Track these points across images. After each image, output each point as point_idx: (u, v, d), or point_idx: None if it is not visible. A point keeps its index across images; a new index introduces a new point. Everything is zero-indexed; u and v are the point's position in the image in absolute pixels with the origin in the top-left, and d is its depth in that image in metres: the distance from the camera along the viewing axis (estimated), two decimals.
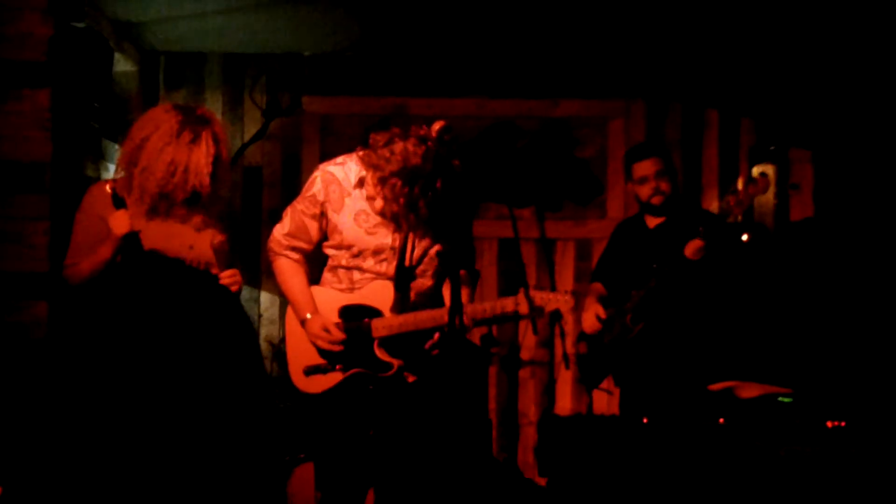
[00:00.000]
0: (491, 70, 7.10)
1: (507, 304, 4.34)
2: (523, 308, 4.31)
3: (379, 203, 4.32)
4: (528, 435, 6.91)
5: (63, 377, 4.31)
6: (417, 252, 4.42)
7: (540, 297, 4.32)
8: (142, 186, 4.33)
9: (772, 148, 6.95)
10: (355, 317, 4.43)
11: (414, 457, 4.47)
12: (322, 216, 4.44)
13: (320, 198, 4.41)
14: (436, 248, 4.45)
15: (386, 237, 4.40)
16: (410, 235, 4.40)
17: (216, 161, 4.37)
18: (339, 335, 4.38)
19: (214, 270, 4.48)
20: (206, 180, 4.34)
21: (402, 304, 4.41)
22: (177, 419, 4.25)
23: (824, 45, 6.42)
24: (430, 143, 4.19)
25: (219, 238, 4.48)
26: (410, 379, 4.48)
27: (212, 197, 4.43)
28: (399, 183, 4.19)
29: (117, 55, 6.41)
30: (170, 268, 4.41)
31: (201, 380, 4.31)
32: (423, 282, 4.46)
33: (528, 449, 6.80)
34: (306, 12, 6.36)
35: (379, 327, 4.40)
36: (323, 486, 4.57)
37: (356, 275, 4.46)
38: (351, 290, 4.47)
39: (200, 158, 4.33)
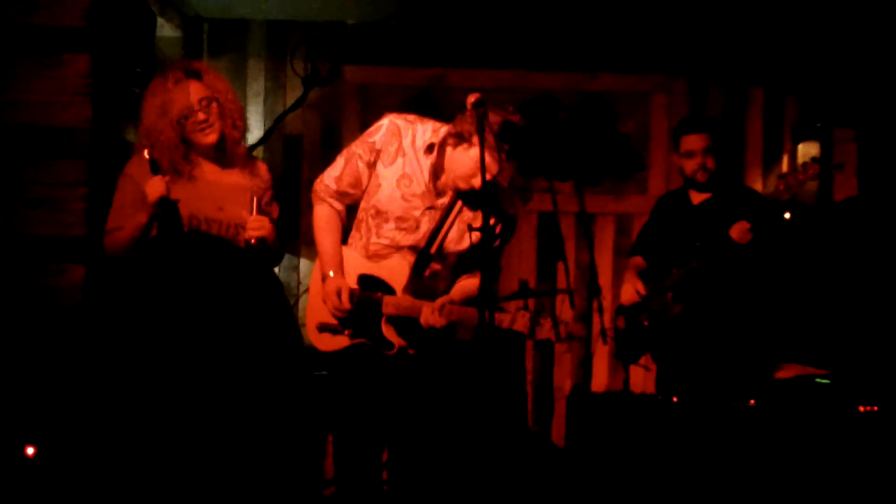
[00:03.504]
0: (531, 42, 7.06)
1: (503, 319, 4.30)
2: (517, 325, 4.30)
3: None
4: (562, 409, 6.89)
5: (97, 345, 4.33)
6: (446, 242, 4.42)
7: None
8: (158, 147, 4.37)
9: (817, 126, 6.88)
10: (371, 287, 4.43)
11: (435, 427, 4.48)
12: (373, 166, 4.40)
13: (378, 146, 4.38)
14: (462, 243, 4.45)
15: (417, 209, 4.39)
16: (446, 224, 4.39)
17: (202, 92, 4.43)
18: (346, 304, 4.37)
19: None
20: (200, 110, 4.39)
21: (414, 287, 4.40)
22: (206, 393, 4.26)
23: (870, 23, 6.35)
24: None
25: (260, 193, 4.48)
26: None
27: (224, 134, 4.48)
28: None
29: (160, 21, 6.42)
30: (202, 240, 4.40)
31: (233, 353, 4.32)
32: (440, 271, 4.46)
33: (562, 423, 6.79)
34: None
35: (388, 304, 4.39)
36: (336, 451, 4.58)
37: (373, 238, 4.44)
38: (367, 248, 4.46)
39: (179, 93, 4.40)
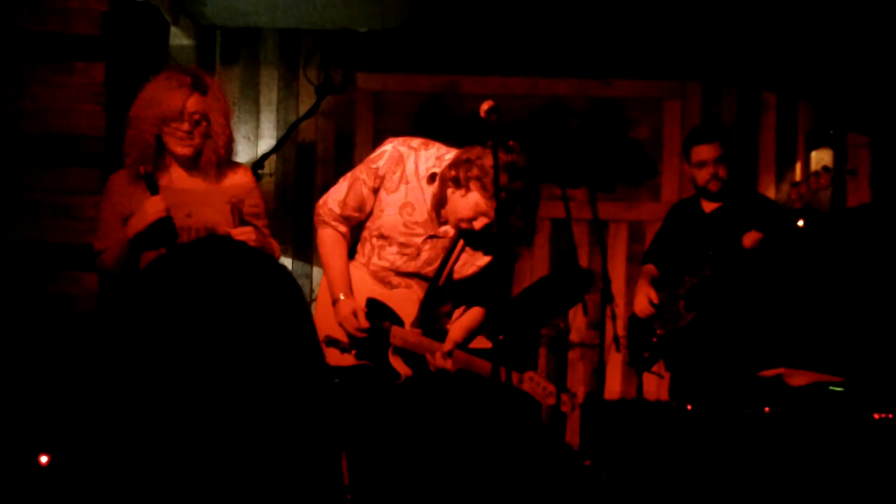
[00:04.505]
0: (544, 49, 7.06)
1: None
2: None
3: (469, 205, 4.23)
4: (575, 417, 6.87)
5: (108, 352, 4.29)
6: (452, 272, 4.43)
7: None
8: (136, 140, 4.26)
9: (831, 132, 6.86)
10: (379, 314, 4.42)
11: (450, 434, 4.47)
12: (378, 191, 4.39)
13: (381, 172, 4.35)
14: (466, 269, 4.45)
15: (419, 236, 4.38)
16: (451, 258, 4.40)
17: (197, 106, 4.29)
18: (364, 323, 4.35)
19: (222, 230, 4.28)
20: (185, 121, 4.25)
21: (423, 322, 4.41)
22: (219, 397, 4.21)
23: (884, 29, 6.34)
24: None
25: (238, 202, 4.32)
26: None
27: (201, 151, 4.34)
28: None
29: (174, 29, 6.45)
30: (219, 248, 4.31)
31: (244, 355, 4.27)
32: (446, 297, 4.47)
33: (576, 431, 6.77)
34: None
35: (396, 336, 4.39)
36: (349, 466, 4.56)
37: (375, 259, 4.45)
38: (368, 267, 4.47)
39: (174, 95, 4.25)
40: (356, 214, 4.47)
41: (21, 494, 4.67)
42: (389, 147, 4.38)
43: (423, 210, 4.36)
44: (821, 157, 6.78)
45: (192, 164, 4.34)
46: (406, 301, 4.42)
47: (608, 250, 6.99)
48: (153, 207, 4.17)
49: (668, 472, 4.71)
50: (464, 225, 4.27)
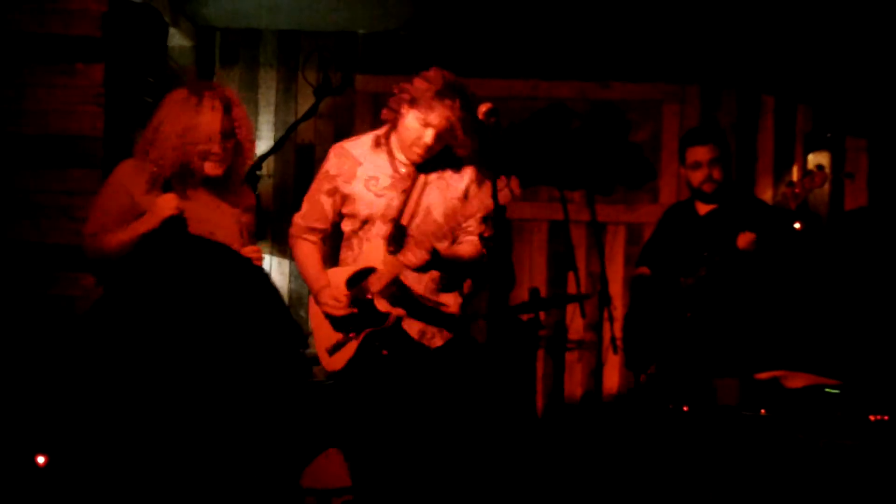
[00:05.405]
0: (544, 51, 7.07)
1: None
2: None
3: (427, 132, 4.39)
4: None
5: (102, 351, 4.31)
6: (418, 218, 4.50)
7: None
8: (160, 162, 4.26)
9: (828, 135, 6.87)
10: (357, 282, 4.50)
11: (442, 429, 4.49)
12: (336, 192, 4.56)
13: (333, 172, 4.56)
14: (428, 224, 4.48)
15: (393, 199, 4.48)
16: (413, 196, 4.48)
17: (227, 125, 4.32)
18: (343, 298, 4.46)
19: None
20: (217, 143, 4.29)
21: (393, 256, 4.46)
22: (207, 403, 4.22)
23: (883, 32, 6.35)
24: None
25: (246, 218, 4.47)
26: (434, 345, 4.52)
27: (231, 167, 4.40)
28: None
29: (173, 30, 6.45)
30: (204, 249, 4.35)
31: (237, 361, 4.28)
32: (416, 247, 4.43)
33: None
34: None
35: (373, 281, 4.45)
36: (351, 464, 4.58)
37: (364, 244, 4.55)
38: (357, 260, 4.55)
39: (207, 118, 4.27)
40: (319, 225, 4.67)
41: (19, 495, 4.68)
42: (332, 150, 4.65)
43: (385, 175, 4.51)
44: (817, 161, 6.79)
45: (217, 181, 4.40)
46: (373, 247, 4.51)
47: (606, 252, 7.00)
48: (166, 204, 4.21)
49: (665, 472, 4.72)
50: (418, 150, 4.43)
